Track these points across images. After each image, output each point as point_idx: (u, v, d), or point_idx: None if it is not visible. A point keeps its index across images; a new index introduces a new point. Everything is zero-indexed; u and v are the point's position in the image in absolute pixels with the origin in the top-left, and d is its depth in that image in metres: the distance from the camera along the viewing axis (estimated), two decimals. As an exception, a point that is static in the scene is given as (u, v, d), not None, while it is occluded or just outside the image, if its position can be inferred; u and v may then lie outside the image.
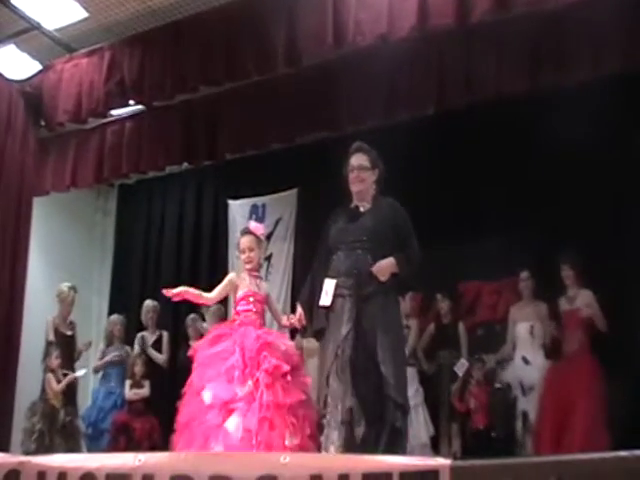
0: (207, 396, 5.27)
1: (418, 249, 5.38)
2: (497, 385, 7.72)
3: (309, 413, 5.28)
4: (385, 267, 5.23)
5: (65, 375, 8.38)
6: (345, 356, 5.06)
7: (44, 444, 7.72)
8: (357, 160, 5.55)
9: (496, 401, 7.59)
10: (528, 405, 7.51)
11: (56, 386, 8.14)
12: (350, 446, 4.86)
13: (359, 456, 3.80)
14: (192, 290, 5.89)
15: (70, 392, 8.45)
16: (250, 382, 5.22)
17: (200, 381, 5.40)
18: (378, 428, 4.94)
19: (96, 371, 9.55)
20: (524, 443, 7.47)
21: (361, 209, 5.51)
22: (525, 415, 7.49)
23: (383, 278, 5.21)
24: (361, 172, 5.51)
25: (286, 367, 5.32)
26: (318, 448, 5.13)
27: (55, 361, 8.30)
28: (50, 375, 8.21)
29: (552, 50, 7.03)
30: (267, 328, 5.82)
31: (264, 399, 5.14)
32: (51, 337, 8.70)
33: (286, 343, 5.63)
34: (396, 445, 4.90)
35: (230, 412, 5.15)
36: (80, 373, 8.57)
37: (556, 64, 7.02)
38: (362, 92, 7.93)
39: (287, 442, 5.00)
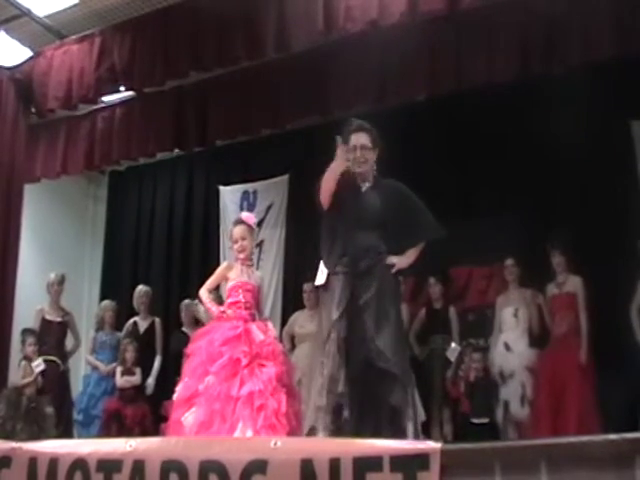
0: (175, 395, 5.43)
1: (435, 222, 5.27)
2: (478, 372, 7.69)
3: (268, 403, 5.16)
4: (407, 261, 5.24)
5: (53, 362, 8.36)
6: (339, 339, 4.96)
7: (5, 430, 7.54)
8: (359, 139, 5.31)
9: (477, 388, 7.61)
10: (509, 394, 7.51)
11: (23, 374, 7.97)
12: (341, 431, 4.77)
13: (350, 440, 3.81)
14: (213, 309, 5.79)
15: (53, 380, 8.36)
16: (210, 377, 5.27)
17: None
18: (375, 410, 4.80)
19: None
20: (505, 431, 7.49)
21: (363, 189, 5.35)
22: (506, 404, 7.50)
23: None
24: (365, 152, 5.31)
25: (245, 360, 5.30)
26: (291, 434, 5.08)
27: (29, 348, 8.15)
28: (25, 363, 8.10)
29: (541, 37, 7.05)
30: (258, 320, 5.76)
31: (215, 392, 5.18)
32: (36, 325, 8.66)
33: (267, 333, 5.57)
34: (395, 425, 4.72)
35: (191, 407, 5.22)
36: (38, 369, 8.34)
37: (545, 51, 7.04)
38: (352, 78, 7.95)
39: (238, 434, 4.97)
